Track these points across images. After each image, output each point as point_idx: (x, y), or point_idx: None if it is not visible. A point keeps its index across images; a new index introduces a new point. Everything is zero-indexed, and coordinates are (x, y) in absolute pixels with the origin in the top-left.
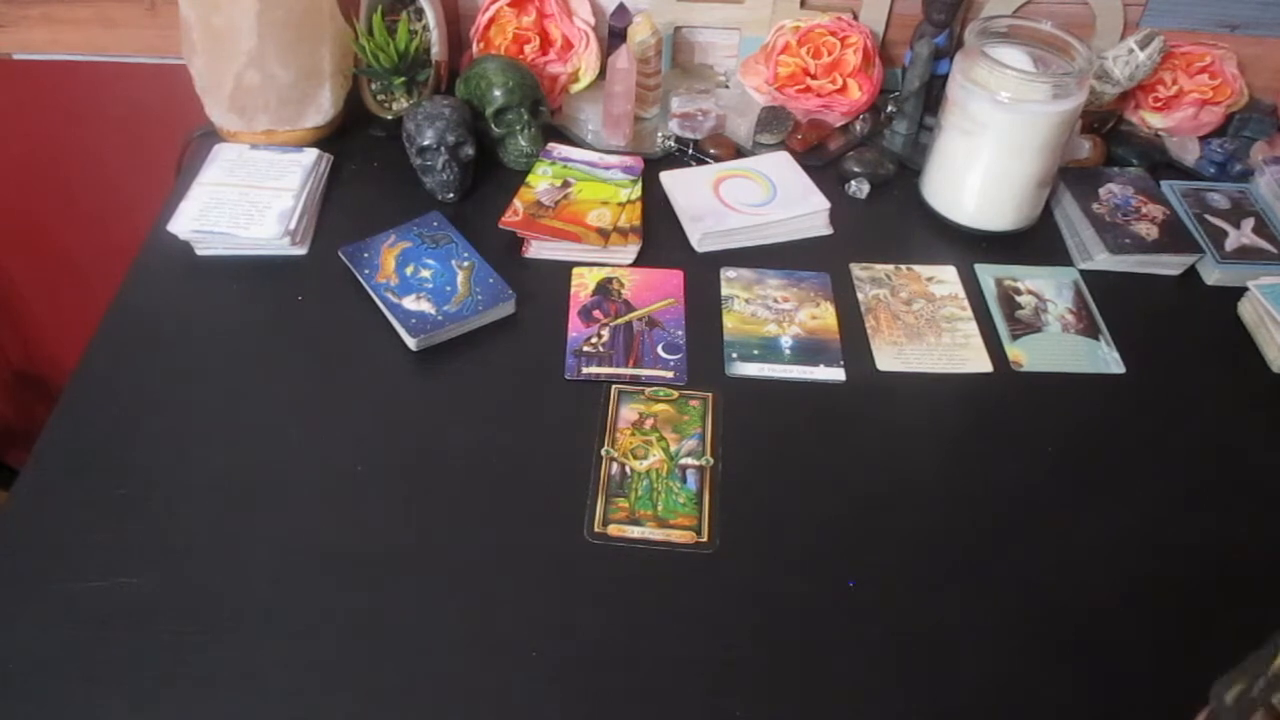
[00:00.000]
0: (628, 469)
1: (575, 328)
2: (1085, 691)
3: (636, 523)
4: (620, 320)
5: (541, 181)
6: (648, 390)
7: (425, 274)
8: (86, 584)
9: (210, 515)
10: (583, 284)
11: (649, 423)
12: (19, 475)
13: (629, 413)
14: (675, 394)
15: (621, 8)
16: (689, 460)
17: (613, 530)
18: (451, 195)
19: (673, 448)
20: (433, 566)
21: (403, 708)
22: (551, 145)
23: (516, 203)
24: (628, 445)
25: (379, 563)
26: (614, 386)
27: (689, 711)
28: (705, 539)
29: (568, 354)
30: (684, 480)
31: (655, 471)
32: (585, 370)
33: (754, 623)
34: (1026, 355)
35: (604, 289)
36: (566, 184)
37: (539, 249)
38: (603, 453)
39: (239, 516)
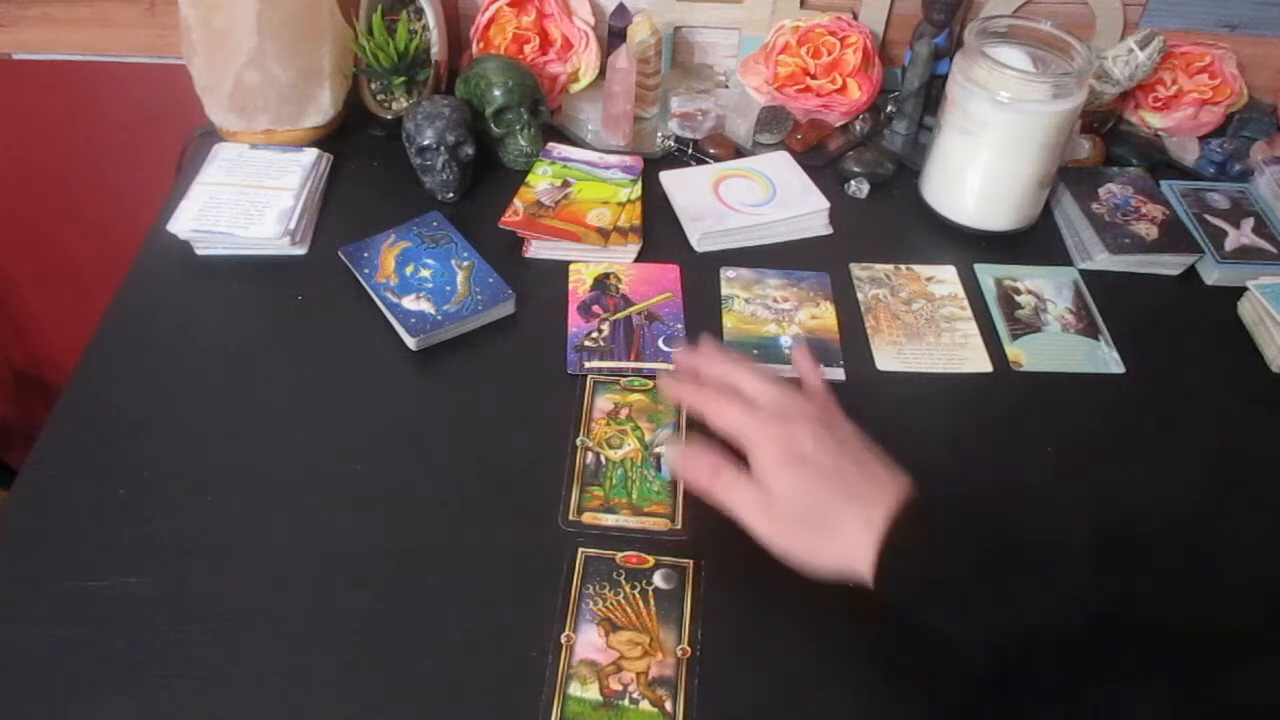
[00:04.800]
0: (603, 458)
1: (575, 323)
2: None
3: (611, 510)
4: (620, 315)
5: (541, 181)
6: (623, 380)
7: (425, 274)
8: (86, 584)
9: (210, 515)
10: (580, 279)
11: (624, 412)
12: (19, 475)
13: (604, 403)
14: (650, 384)
15: (621, 8)
16: (663, 449)
17: (587, 518)
18: (451, 195)
19: (647, 437)
20: (433, 565)
21: (403, 708)
22: (551, 145)
23: (516, 202)
24: (603, 435)
25: (379, 562)
26: (589, 378)
27: None
28: (680, 526)
29: (569, 349)
30: (658, 469)
31: (629, 460)
32: (588, 365)
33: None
34: (1026, 355)
35: (601, 284)
36: (566, 184)
37: (539, 249)
38: (578, 442)
39: (239, 516)
